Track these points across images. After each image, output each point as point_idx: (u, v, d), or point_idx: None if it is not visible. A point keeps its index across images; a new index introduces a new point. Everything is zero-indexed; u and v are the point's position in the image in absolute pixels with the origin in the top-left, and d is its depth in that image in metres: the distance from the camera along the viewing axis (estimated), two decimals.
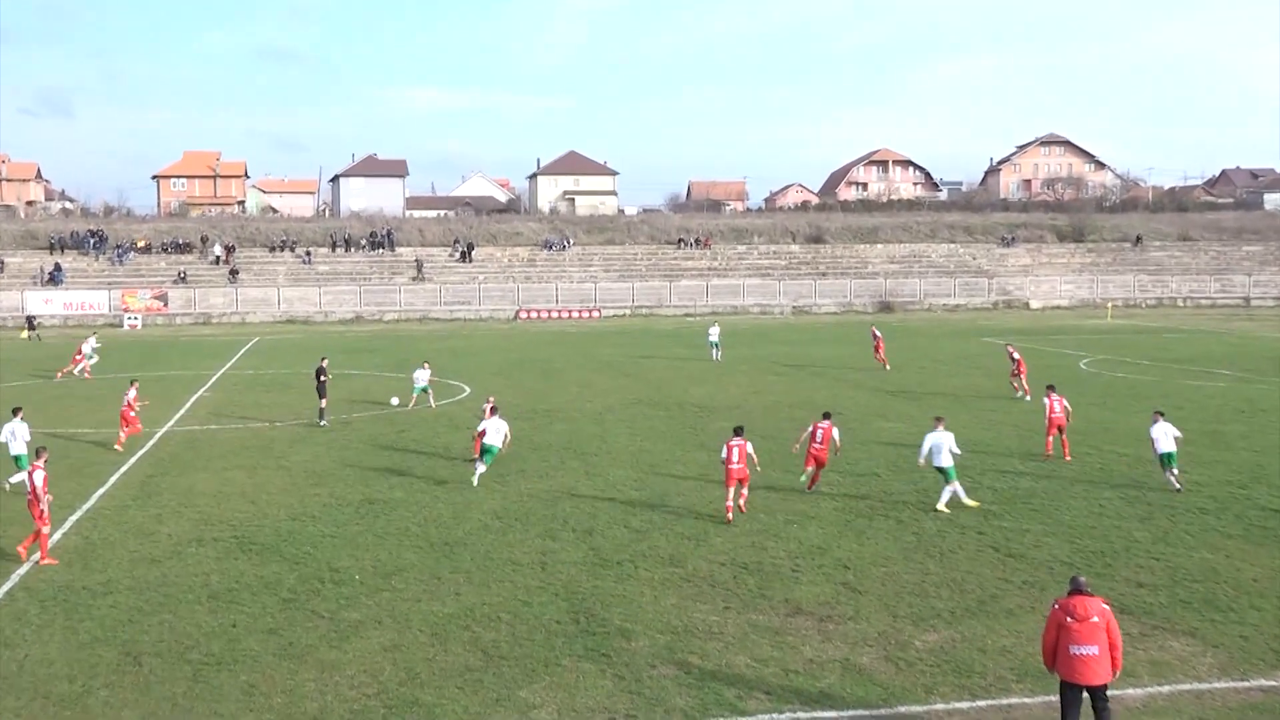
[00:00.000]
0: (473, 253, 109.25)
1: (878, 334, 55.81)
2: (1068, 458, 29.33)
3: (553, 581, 19.30)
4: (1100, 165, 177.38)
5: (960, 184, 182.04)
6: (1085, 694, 12.68)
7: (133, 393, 34.08)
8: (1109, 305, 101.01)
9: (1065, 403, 30.48)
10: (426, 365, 42.61)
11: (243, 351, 66.91)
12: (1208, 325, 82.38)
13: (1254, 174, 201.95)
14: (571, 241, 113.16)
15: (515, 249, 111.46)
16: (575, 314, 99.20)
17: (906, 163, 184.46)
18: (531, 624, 17.22)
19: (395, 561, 20.55)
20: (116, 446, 32.21)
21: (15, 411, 27.45)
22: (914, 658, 15.81)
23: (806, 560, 20.46)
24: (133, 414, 33.41)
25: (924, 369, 51.34)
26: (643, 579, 19.40)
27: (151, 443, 33.70)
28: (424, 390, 41.14)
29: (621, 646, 16.30)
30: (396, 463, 30.20)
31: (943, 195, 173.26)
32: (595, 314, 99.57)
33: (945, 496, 24.11)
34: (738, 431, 23.91)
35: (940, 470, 24.23)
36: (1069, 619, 12.69)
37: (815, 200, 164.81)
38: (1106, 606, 12.88)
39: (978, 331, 77.48)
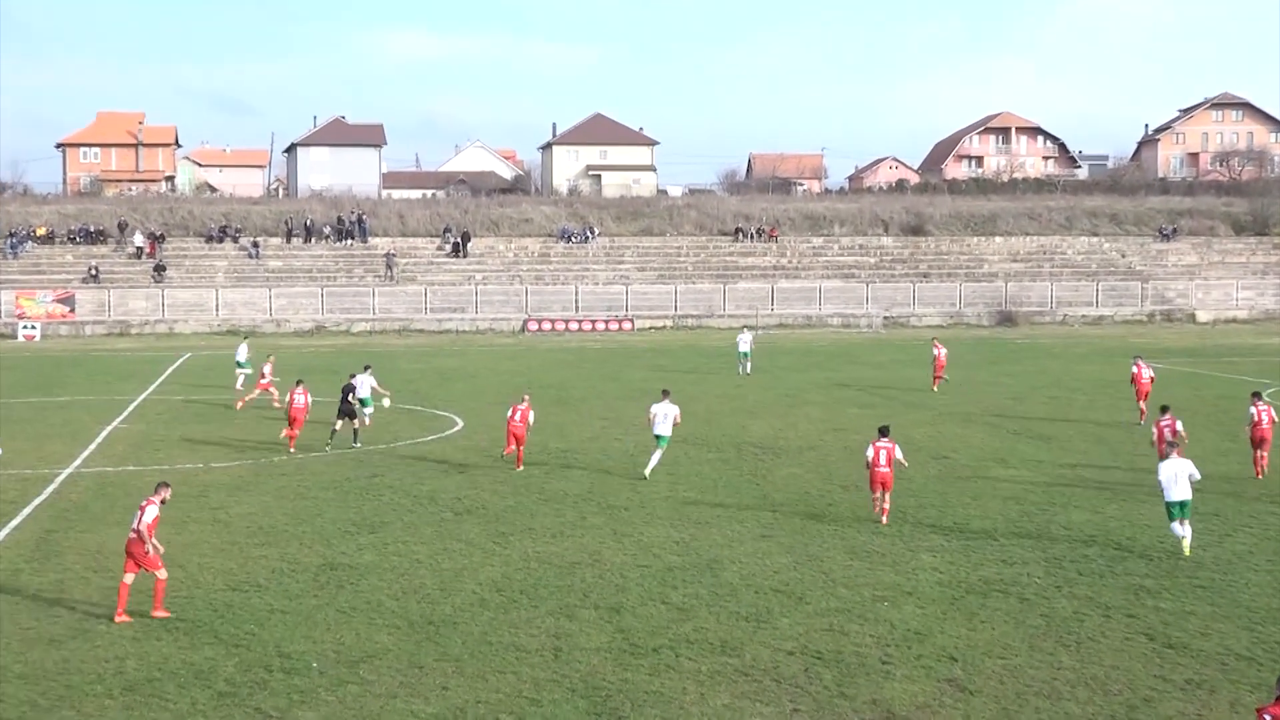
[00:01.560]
0: (468, 245, 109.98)
1: (940, 349, 56.63)
2: (1259, 474, 32.71)
3: (569, 673, 19.30)
4: None
5: (1106, 159, 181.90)
6: None
7: None
8: None
9: (1274, 413, 34.24)
10: (368, 369, 45.15)
11: (170, 371, 67.47)
12: None
13: None
14: (597, 231, 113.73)
15: (523, 240, 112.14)
16: (600, 326, 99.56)
17: (1035, 130, 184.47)
18: None
19: (364, 645, 20.62)
20: None
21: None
22: None
23: (900, 649, 20.39)
24: None
25: (1055, 400, 51.11)
26: (686, 671, 19.38)
27: (51, 488, 34.01)
28: (364, 403, 42.67)
29: None
30: (367, 515, 30.32)
31: (1082, 173, 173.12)
32: (626, 326, 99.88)
33: (1186, 536, 26.07)
34: (883, 432, 29.68)
35: (1172, 507, 26.13)
36: None
37: (915, 179, 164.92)
38: None
39: (1128, 351, 77.00)
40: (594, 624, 21.78)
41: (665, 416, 35.07)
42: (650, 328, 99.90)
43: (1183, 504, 26.08)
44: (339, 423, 40.58)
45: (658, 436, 35.22)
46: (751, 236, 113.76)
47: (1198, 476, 26.14)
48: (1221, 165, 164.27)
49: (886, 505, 29.49)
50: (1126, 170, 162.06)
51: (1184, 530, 26.09)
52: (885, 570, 25.27)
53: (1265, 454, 34.72)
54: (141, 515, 22.27)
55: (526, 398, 37.46)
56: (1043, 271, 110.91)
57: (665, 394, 36.13)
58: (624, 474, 35.87)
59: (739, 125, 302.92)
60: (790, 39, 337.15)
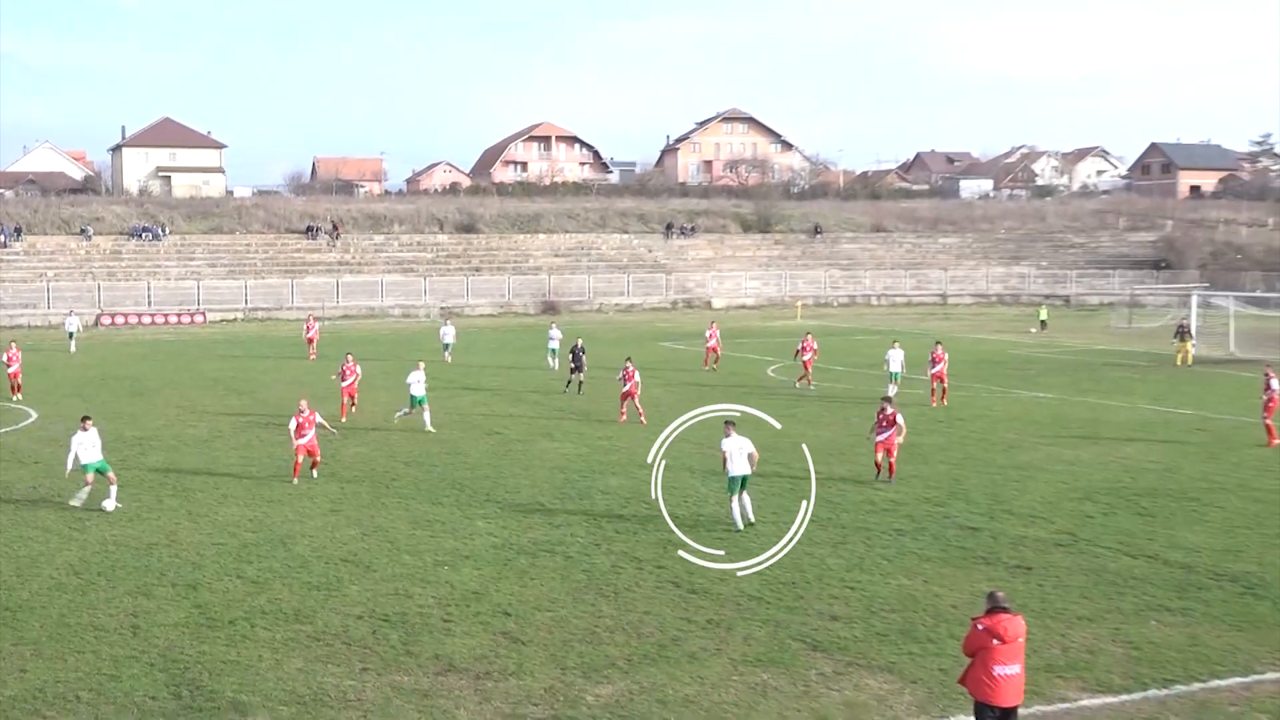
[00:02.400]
0: (21, 238, 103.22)
1: (713, 333, 59.25)
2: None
3: (147, 649, 18.58)
4: (788, 146, 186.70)
5: (634, 165, 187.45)
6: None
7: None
8: (798, 304, 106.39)
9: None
10: None
11: None
12: (902, 325, 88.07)
13: (949, 158, 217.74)
14: (168, 229, 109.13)
15: (96, 239, 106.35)
16: (173, 319, 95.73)
17: (572, 139, 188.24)
18: (120, 703, 16.51)
19: None
20: None
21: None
22: (586, 715, 16.17)
23: (459, 608, 20.56)
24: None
25: (593, 379, 52.46)
26: (261, 640, 18.97)
27: None
28: None
29: None
30: None
31: (614, 178, 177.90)
32: (199, 319, 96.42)
33: (746, 508, 26.15)
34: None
35: (733, 481, 25.97)
36: (995, 641, 13.83)
37: (467, 182, 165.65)
38: (1024, 623, 14.22)
39: (655, 335, 79.96)
40: (171, 600, 21.02)
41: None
42: (222, 320, 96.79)
43: (744, 479, 25.86)
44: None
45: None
46: (319, 235, 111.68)
47: (756, 455, 26.04)
48: (731, 172, 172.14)
49: None
50: (652, 175, 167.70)
51: (743, 503, 25.90)
52: (446, 537, 25.39)
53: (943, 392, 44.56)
54: None
55: (303, 401, 32.44)
56: (581, 265, 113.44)
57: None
58: (198, 458, 34.68)
59: (304, 131, 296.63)
60: (351, 53, 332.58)
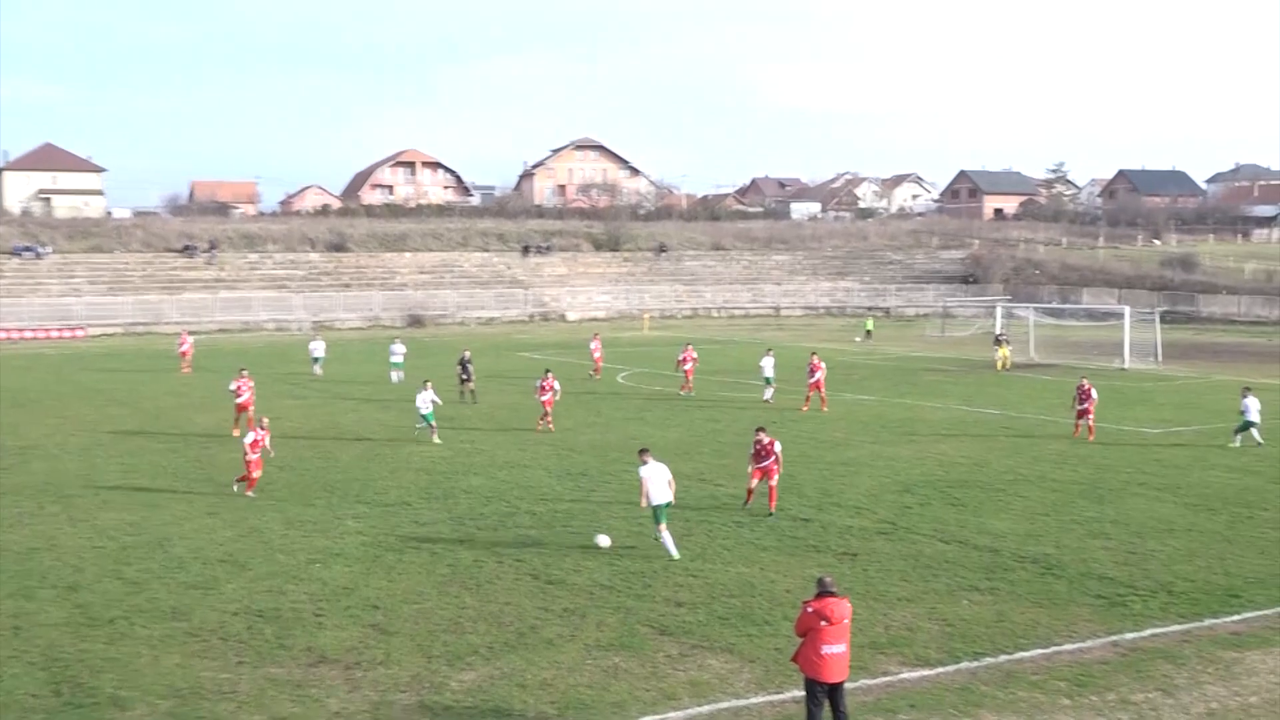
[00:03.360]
0: None
1: (596, 345, 59.52)
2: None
3: (28, 648, 17.90)
4: (635, 172, 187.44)
5: (493, 189, 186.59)
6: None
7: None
8: (646, 316, 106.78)
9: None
10: None
11: None
12: (740, 335, 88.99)
13: (781, 183, 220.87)
14: (49, 248, 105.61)
15: None
16: (54, 334, 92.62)
17: (436, 165, 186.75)
18: (1, 701, 15.88)
19: None
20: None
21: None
22: (450, 700, 15.98)
23: (331, 603, 20.20)
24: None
25: (453, 387, 52.04)
26: (140, 637, 18.41)
27: None
28: None
29: (115, 717, 15.40)
30: None
31: (475, 200, 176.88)
32: (79, 333, 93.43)
33: (667, 541, 22.92)
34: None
35: (657, 510, 22.97)
36: (823, 623, 13.99)
37: (337, 204, 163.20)
38: (849, 605, 14.40)
39: (513, 346, 79.61)
40: (52, 602, 20.30)
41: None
42: (102, 334, 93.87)
43: (663, 507, 23.04)
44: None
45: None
46: (198, 253, 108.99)
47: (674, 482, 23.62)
48: (584, 195, 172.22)
49: None
50: (510, 198, 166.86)
51: (666, 536, 23.00)
52: (317, 537, 24.94)
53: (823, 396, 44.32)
54: None
55: (265, 420, 31.98)
56: (445, 281, 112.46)
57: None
58: (78, 466, 33.57)
59: (181, 155, 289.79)
60: (228, 83, 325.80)
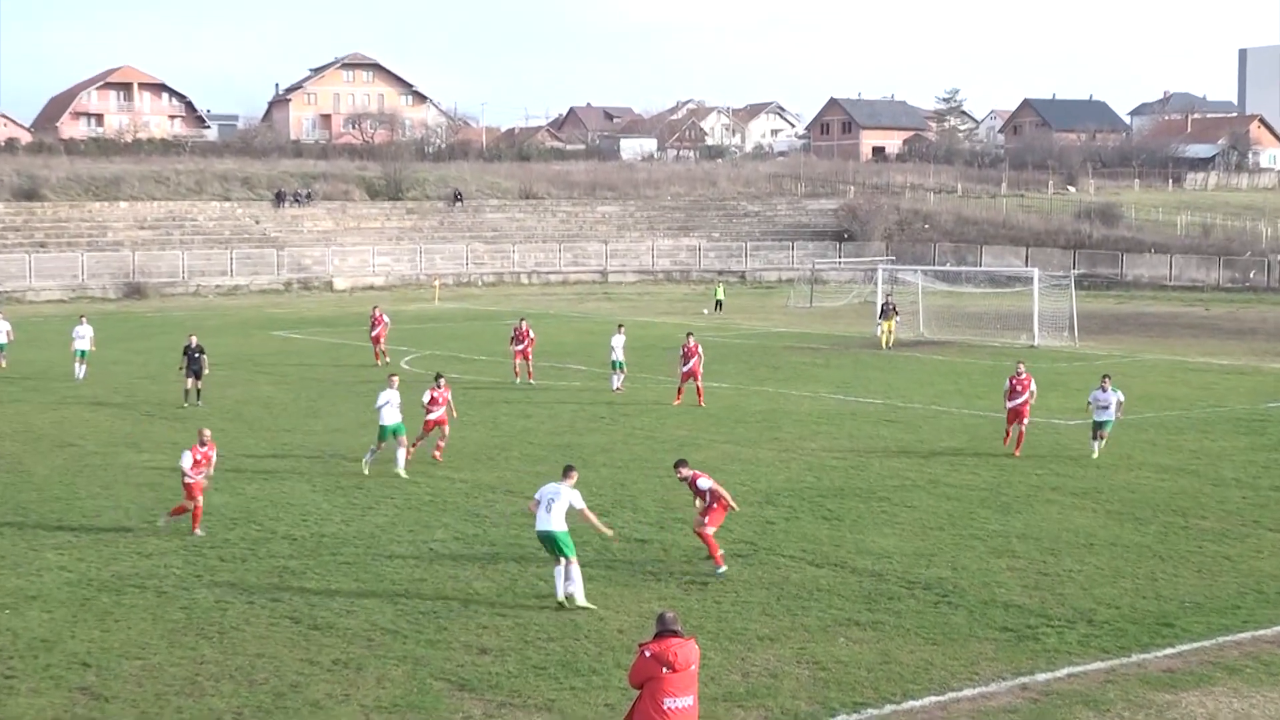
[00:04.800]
0: None
1: (378, 319, 58.34)
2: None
3: None
4: (421, 99, 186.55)
5: (236, 119, 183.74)
6: None
7: None
8: (437, 283, 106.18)
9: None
10: None
11: None
12: (559, 307, 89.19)
13: (608, 114, 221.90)
14: None
15: None
16: None
17: (159, 87, 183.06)
18: None
19: None
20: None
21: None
22: None
23: (26, 660, 19.69)
24: None
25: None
26: None
27: None
28: None
29: None
30: None
31: (212, 134, 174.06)
32: None
33: None
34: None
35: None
36: (665, 670, 13.96)
37: (28, 138, 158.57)
38: (697, 647, 14.41)
39: (267, 323, 78.47)
40: None
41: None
42: None
43: (555, 539, 22.33)
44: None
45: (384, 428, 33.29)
46: None
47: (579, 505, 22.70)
48: (355, 128, 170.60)
49: None
50: (258, 131, 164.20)
51: (569, 572, 22.34)
52: (5, 575, 24.24)
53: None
54: None
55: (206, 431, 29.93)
56: (173, 239, 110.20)
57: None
58: None
59: None
60: None
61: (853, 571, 24.40)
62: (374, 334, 57.90)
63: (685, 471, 25.11)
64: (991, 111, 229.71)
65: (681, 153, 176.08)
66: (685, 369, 45.39)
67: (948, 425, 40.91)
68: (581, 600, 22.16)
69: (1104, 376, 37.44)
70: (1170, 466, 34.49)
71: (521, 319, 53.83)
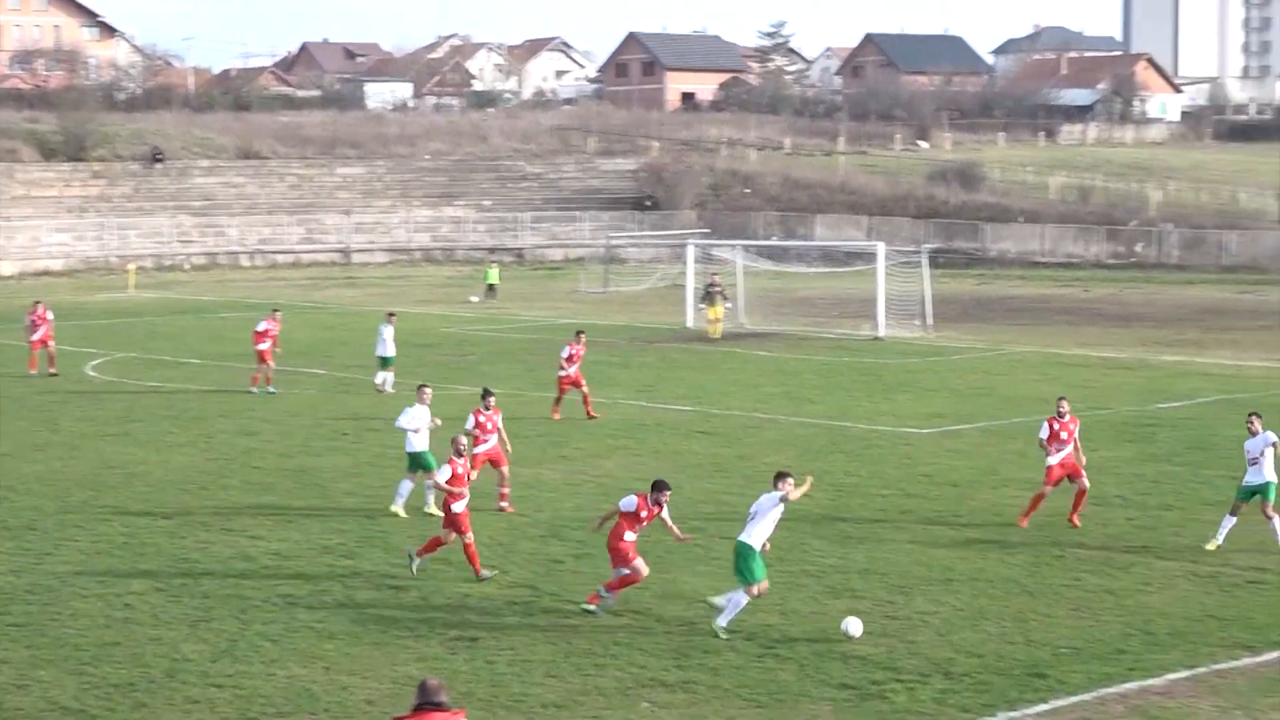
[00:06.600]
0: None
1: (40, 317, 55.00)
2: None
3: None
4: (110, 31, 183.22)
5: None
6: None
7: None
8: (131, 268, 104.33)
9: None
10: None
11: None
12: (289, 295, 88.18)
13: (350, 52, 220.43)
14: None
15: None
16: None
17: None
18: None
19: None
20: None
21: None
22: None
23: None
24: None
25: None
26: None
27: None
28: None
29: None
30: None
31: None
32: None
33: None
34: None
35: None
36: None
37: None
38: None
39: None
40: None
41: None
42: None
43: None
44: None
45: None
46: None
47: None
48: (24, 69, 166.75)
49: None
50: None
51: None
52: None
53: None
54: None
55: None
56: None
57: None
58: None
59: None
60: None
61: (658, 620, 24.51)
62: (35, 338, 55.17)
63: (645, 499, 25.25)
64: (826, 49, 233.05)
65: (443, 100, 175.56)
66: (565, 374, 45.26)
67: (774, 437, 41.36)
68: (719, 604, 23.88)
69: (1251, 415, 30.31)
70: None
71: (275, 309, 53.24)
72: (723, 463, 37.82)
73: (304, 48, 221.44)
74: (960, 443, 40.65)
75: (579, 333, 47.18)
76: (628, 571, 24.86)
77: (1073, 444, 31.66)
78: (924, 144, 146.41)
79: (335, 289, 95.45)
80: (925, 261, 73.02)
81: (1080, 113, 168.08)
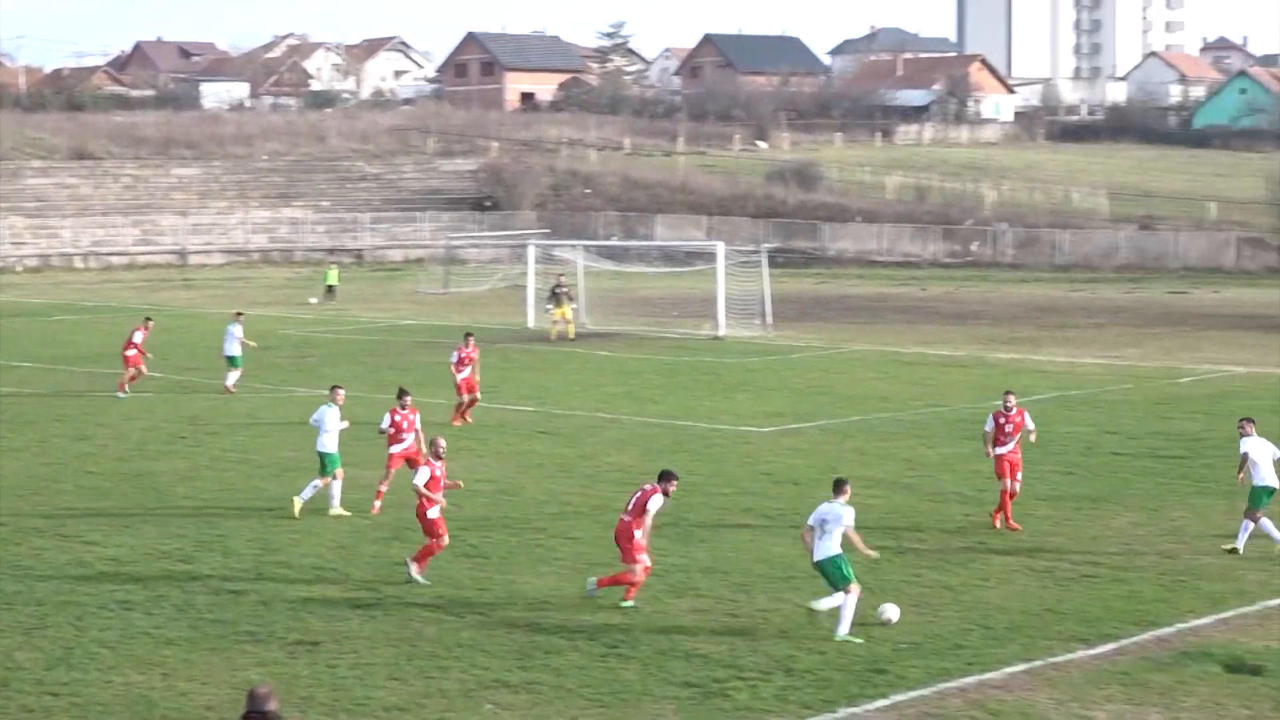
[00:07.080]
0: None
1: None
2: None
3: None
4: None
5: None
6: None
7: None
8: None
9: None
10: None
11: None
12: (124, 297, 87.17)
13: (186, 51, 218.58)
14: None
15: None
16: None
17: None
18: None
19: None
20: None
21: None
22: None
23: None
24: None
25: None
26: None
27: None
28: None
29: None
30: None
31: None
32: None
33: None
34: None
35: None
36: None
37: None
38: None
39: None
40: None
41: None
42: None
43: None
44: None
45: None
46: None
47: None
48: None
49: None
50: None
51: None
52: None
53: None
54: None
55: None
56: None
57: None
58: None
59: None
60: None
61: (502, 622, 24.46)
62: None
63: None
64: (665, 50, 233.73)
65: (280, 100, 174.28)
66: (462, 377, 45.27)
67: (616, 437, 41.42)
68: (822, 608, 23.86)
69: (1243, 420, 30.15)
70: (881, 480, 35.50)
71: (148, 319, 52.62)
72: (566, 463, 37.84)
73: (138, 47, 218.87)
74: (800, 441, 40.91)
75: (468, 335, 47.40)
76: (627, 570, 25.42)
77: (1016, 439, 32.04)
78: (762, 144, 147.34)
79: (172, 291, 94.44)
80: (764, 261, 73.53)
81: (916, 113, 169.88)
